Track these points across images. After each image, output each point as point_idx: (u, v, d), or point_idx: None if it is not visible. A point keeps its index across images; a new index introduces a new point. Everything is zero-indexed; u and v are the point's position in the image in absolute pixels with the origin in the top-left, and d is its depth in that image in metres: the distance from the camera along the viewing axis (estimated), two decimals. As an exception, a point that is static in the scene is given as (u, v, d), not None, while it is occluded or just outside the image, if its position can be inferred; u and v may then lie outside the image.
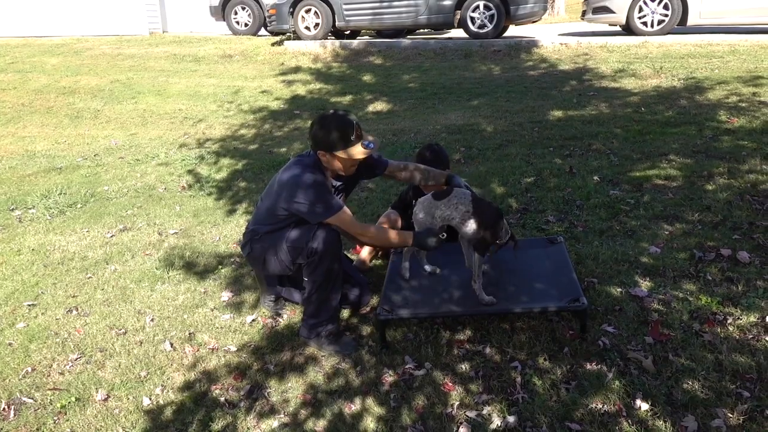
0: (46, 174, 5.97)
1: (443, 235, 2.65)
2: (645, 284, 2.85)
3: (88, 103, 8.52)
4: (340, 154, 2.53)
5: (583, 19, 10.06)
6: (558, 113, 5.94)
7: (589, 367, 2.32)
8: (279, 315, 2.97)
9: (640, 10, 8.87)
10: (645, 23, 8.92)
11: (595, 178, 4.19)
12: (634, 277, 2.91)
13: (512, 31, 10.96)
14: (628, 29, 9.26)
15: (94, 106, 8.42)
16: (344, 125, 2.51)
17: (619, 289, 2.82)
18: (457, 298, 2.66)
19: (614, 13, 9.07)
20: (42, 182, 5.68)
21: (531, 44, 9.21)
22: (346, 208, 2.62)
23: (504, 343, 2.53)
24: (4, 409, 2.43)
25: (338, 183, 2.72)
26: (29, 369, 2.69)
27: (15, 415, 2.39)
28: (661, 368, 2.27)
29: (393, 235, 2.70)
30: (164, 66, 10.09)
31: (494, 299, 2.57)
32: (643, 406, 2.09)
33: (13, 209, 4.94)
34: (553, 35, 10.27)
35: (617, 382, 2.22)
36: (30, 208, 4.92)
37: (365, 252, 3.32)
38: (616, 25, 9.82)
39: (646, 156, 4.53)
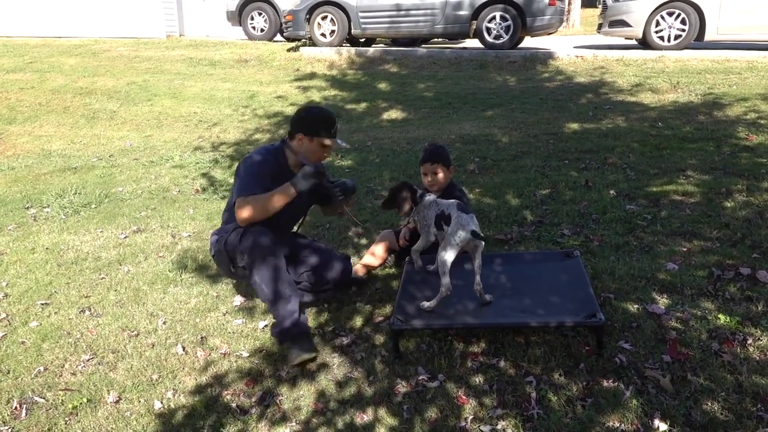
0: (61, 173, 6.01)
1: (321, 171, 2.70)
2: (662, 301, 2.81)
3: (104, 104, 8.59)
4: (322, 140, 2.76)
5: (599, 32, 10.04)
6: (574, 126, 5.91)
7: (605, 384, 2.28)
8: None
9: (657, 24, 8.84)
10: (662, 38, 8.88)
11: (612, 192, 4.15)
12: (651, 294, 2.87)
13: (528, 42, 10.95)
14: (644, 43, 9.23)
15: (111, 107, 8.48)
16: (331, 117, 2.83)
17: (636, 306, 2.78)
18: (471, 309, 2.63)
19: (631, 26, 9.04)
20: (57, 181, 5.72)
21: (547, 56, 9.20)
22: (242, 198, 2.65)
23: (519, 357, 2.50)
24: (16, 408, 2.43)
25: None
26: (41, 368, 2.69)
27: (27, 415, 2.39)
28: (680, 388, 2.23)
29: (272, 197, 2.64)
30: (180, 69, 10.16)
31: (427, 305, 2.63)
32: (662, 426, 2.05)
33: (28, 207, 4.97)
34: (569, 47, 10.25)
35: (635, 401, 2.18)
36: (45, 207, 4.95)
37: (376, 259, 3.28)
38: (632, 39, 9.79)
39: (664, 171, 4.49)
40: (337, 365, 2.58)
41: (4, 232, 4.45)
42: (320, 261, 3.03)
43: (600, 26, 9.92)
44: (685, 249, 3.28)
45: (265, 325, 2.93)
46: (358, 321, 2.90)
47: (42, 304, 3.30)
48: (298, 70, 9.73)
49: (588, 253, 3.31)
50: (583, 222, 3.76)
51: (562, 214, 3.89)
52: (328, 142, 2.78)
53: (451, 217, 2.60)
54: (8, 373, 2.67)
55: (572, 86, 7.77)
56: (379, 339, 2.74)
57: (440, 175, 3.16)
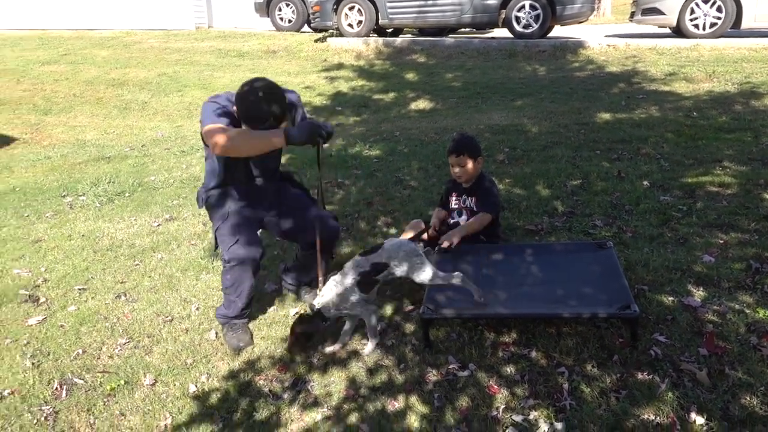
0: (95, 163, 6.14)
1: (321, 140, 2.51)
2: (698, 294, 2.75)
3: (136, 95, 8.73)
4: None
5: (631, 20, 9.83)
6: (605, 116, 5.81)
7: (640, 376, 2.25)
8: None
9: (692, 12, 8.61)
10: (697, 26, 8.65)
11: (645, 183, 4.08)
12: (686, 286, 2.81)
13: (557, 31, 10.78)
14: (678, 32, 9.00)
15: (142, 98, 8.62)
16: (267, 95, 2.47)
17: (671, 298, 2.73)
18: (502, 299, 2.62)
19: (665, 14, 8.83)
20: (92, 170, 5.84)
21: (577, 45, 9.04)
22: (220, 125, 2.47)
23: (550, 347, 2.48)
24: (56, 388, 2.51)
25: None
26: (80, 351, 2.77)
27: (67, 395, 2.46)
28: (717, 382, 2.19)
29: (254, 138, 2.46)
30: (209, 60, 10.27)
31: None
32: (698, 419, 2.02)
33: (64, 196, 5.10)
34: (600, 36, 10.06)
35: (670, 394, 2.14)
36: (80, 195, 5.07)
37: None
38: (665, 27, 9.55)
39: (699, 162, 4.39)
40: (367, 353, 2.60)
41: (42, 219, 4.57)
42: (302, 225, 2.88)
43: (632, 14, 9.71)
44: (721, 241, 3.21)
45: (296, 312, 2.96)
46: (388, 309, 2.91)
47: (79, 289, 3.38)
48: (325, 60, 9.75)
49: (621, 245, 3.26)
50: (615, 213, 3.70)
51: (593, 205, 3.83)
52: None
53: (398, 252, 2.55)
54: (49, 354, 2.75)
55: (603, 76, 7.63)
56: (410, 327, 2.75)
57: (468, 166, 3.15)
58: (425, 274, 2.54)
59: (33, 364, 2.68)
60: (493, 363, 2.44)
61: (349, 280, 2.54)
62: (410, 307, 2.90)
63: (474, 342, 2.57)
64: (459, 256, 3.00)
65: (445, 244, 2.93)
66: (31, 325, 3.02)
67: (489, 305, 2.58)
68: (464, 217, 3.24)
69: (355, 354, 2.60)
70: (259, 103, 2.45)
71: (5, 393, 2.49)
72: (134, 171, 5.72)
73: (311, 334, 2.57)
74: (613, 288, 2.57)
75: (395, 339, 2.67)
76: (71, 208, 4.81)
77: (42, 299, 3.29)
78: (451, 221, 3.29)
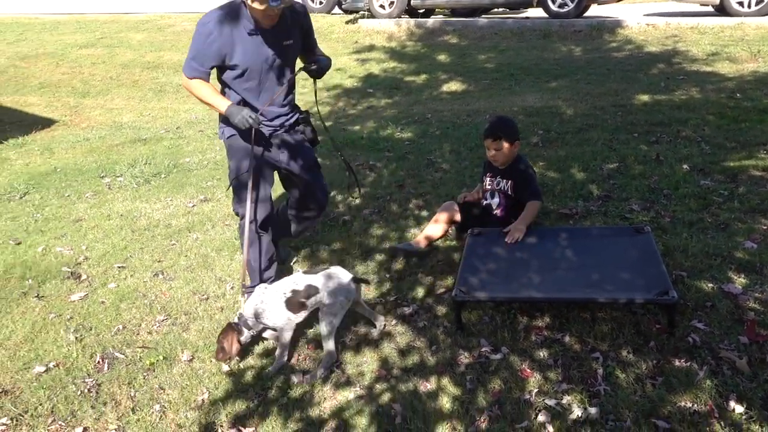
0: (132, 144, 6.26)
1: (255, 121, 2.56)
2: (739, 281, 2.68)
3: (170, 78, 8.85)
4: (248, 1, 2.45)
5: (672, -2, 9.50)
6: (644, 97, 5.65)
7: (677, 363, 2.21)
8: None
9: (738, -12, 8.27)
10: (741, 3, 8.31)
11: (685, 166, 3.97)
12: (727, 273, 2.74)
13: (594, 10, 10.48)
14: (722, 10, 8.65)
15: (176, 80, 8.73)
16: None
17: (710, 285, 2.66)
18: (536, 283, 2.60)
19: (708, -9, 8.50)
20: (129, 152, 5.96)
21: (615, 24, 8.79)
22: (197, 78, 2.60)
23: (584, 332, 2.46)
24: (98, 362, 2.59)
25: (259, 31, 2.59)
26: (120, 327, 2.85)
27: (108, 369, 2.55)
28: (757, 370, 2.13)
29: (207, 96, 2.63)
30: (242, 43, 10.32)
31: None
32: (738, 408, 1.98)
33: (103, 176, 5.22)
34: (639, 15, 9.75)
35: (708, 382, 2.10)
36: (118, 176, 5.18)
37: (437, 231, 3.26)
38: (708, 6, 9.19)
39: (742, 145, 4.25)
40: (399, 334, 2.61)
41: (82, 199, 4.70)
42: (304, 189, 2.96)
43: (674, -8, 9.38)
44: (764, 227, 3.11)
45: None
46: (420, 291, 2.91)
47: (119, 267, 3.48)
48: (356, 42, 9.70)
49: (659, 230, 3.19)
50: (653, 197, 3.61)
51: (630, 189, 3.75)
52: (264, 7, 2.43)
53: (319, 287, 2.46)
54: (91, 329, 2.84)
55: (642, 56, 7.41)
56: (441, 310, 2.75)
57: (504, 149, 3.11)
58: (329, 324, 2.42)
59: (76, 338, 2.77)
60: (525, 347, 2.42)
61: (279, 294, 2.48)
62: (442, 290, 2.90)
63: (506, 325, 2.56)
64: (493, 240, 2.98)
65: (511, 240, 2.92)
66: (74, 301, 3.12)
67: (523, 289, 2.56)
68: (496, 199, 3.21)
69: (388, 335, 2.62)
70: None
71: (51, 365, 2.58)
72: (169, 152, 5.82)
73: (233, 342, 2.45)
74: (651, 273, 2.53)
75: (427, 321, 2.68)
76: (110, 188, 4.93)
77: (83, 276, 3.39)
78: (484, 202, 3.27)
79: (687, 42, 7.75)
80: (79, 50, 10.22)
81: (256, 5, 2.43)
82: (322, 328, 2.45)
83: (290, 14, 2.66)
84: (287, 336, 2.49)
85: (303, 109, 3.00)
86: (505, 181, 3.17)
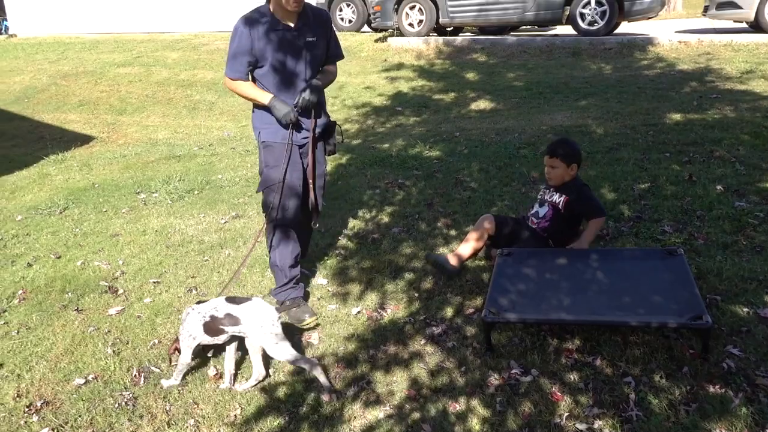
0: (166, 161, 6.43)
1: (295, 117, 2.80)
2: (777, 306, 2.63)
3: (204, 96, 9.08)
4: None
5: (704, 15, 9.40)
6: (676, 116, 5.60)
7: (711, 390, 2.18)
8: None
9: (773, 5, 8.16)
10: (778, 20, 8.18)
11: (718, 187, 3.91)
12: (763, 297, 2.69)
13: (625, 27, 10.43)
14: (756, 26, 8.54)
15: (209, 98, 8.95)
16: None
17: (746, 309, 2.62)
18: (566, 304, 2.59)
19: (741, 8, 8.41)
20: (163, 169, 6.12)
21: (646, 42, 8.73)
22: (237, 79, 2.84)
23: (616, 356, 2.44)
24: (135, 375, 2.66)
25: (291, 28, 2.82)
26: (156, 341, 2.93)
27: (144, 382, 2.62)
28: (796, 399, 2.09)
29: (250, 92, 2.87)
30: (273, 61, 10.53)
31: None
32: (775, 437, 1.94)
33: (138, 192, 5.37)
34: (670, 32, 9.67)
35: (744, 409, 2.07)
36: (153, 192, 5.33)
37: (466, 250, 3.27)
38: (742, 22, 9.09)
39: (778, 166, 4.17)
40: (429, 354, 2.63)
41: (119, 214, 4.84)
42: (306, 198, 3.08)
43: (706, 9, 9.28)
44: (803, 251, 3.05)
45: (358, 312, 3.02)
46: (449, 311, 2.93)
47: (154, 282, 3.57)
48: (385, 60, 9.81)
49: (692, 252, 3.15)
50: (686, 219, 3.57)
51: (662, 210, 3.71)
52: None
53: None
54: (128, 343, 2.93)
55: (674, 74, 7.34)
56: (471, 331, 2.76)
57: (556, 170, 3.16)
58: (283, 353, 2.45)
59: (114, 351, 2.85)
60: (556, 369, 2.42)
61: (198, 315, 2.50)
62: (471, 310, 2.91)
63: (536, 347, 2.56)
64: (522, 260, 2.99)
65: None
66: (111, 315, 3.21)
67: (553, 311, 2.56)
68: (545, 208, 3.24)
69: (417, 355, 2.64)
70: None
71: (90, 377, 2.67)
72: (202, 169, 5.96)
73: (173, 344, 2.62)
74: (684, 297, 2.50)
75: (456, 341, 2.69)
76: (145, 204, 5.06)
77: (120, 291, 3.49)
78: (530, 211, 3.32)
79: (720, 59, 7.65)
80: (117, 69, 10.56)
81: None
82: (281, 357, 2.48)
83: (312, 15, 2.90)
84: (184, 359, 2.53)
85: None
86: (558, 194, 3.19)
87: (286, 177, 2.91)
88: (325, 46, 2.98)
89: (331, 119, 3.14)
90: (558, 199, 3.18)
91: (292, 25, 2.82)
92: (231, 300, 2.54)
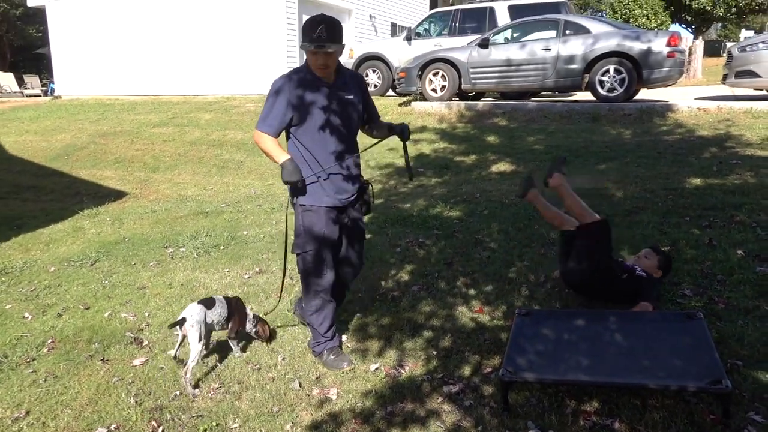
0: (195, 217, 6.64)
1: (301, 185, 2.93)
2: (800, 373, 2.59)
3: (233, 155, 9.42)
4: (308, 47, 2.80)
5: (723, 83, 9.57)
6: (696, 181, 5.64)
7: (733, 456, 2.14)
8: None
9: (792, 74, 8.30)
10: (797, 88, 8.30)
11: (739, 252, 3.91)
12: (786, 364, 2.66)
13: (644, 94, 10.63)
14: (776, 94, 8.66)
15: (238, 157, 9.29)
16: (313, 21, 2.79)
17: (768, 375, 2.59)
18: (584, 366, 2.59)
19: (761, 77, 8.56)
20: (191, 224, 6.32)
21: (665, 108, 8.88)
22: (265, 133, 2.94)
23: (635, 420, 2.41)
24: (155, 426, 2.71)
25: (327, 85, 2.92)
26: (177, 393, 2.98)
27: (164, 433, 2.66)
28: (822, 469, 2.04)
29: (271, 149, 2.96)
30: (300, 123, 10.94)
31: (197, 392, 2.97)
32: (800, 508, 1.89)
33: (167, 247, 5.54)
34: (690, 99, 9.83)
35: (767, 478, 2.03)
36: (181, 247, 5.49)
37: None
38: (762, 90, 9.22)
39: (800, 231, 4.16)
40: (446, 412, 2.63)
41: (147, 267, 4.99)
42: (352, 252, 3.20)
43: (725, 77, 9.46)
44: (827, 317, 3.02)
45: (376, 368, 3.05)
46: (466, 370, 2.94)
47: (177, 334, 3.65)
48: (409, 123, 10.10)
49: (712, 316, 3.14)
50: (706, 283, 3.57)
51: (682, 274, 3.71)
52: (312, 48, 2.79)
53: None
54: (150, 394, 2.98)
55: (694, 140, 7.43)
56: (488, 390, 2.76)
57: (648, 261, 3.54)
58: (194, 349, 3.00)
59: (136, 402, 2.91)
60: (573, 432, 2.40)
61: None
62: (489, 369, 2.92)
63: (554, 408, 2.55)
64: (541, 321, 3.01)
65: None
66: (135, 366, 3.29)
67: (571, 371, 2.56)
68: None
69: (434, 413, 2.64)
70: (313, 20, 2.81)
71: (112, 427, 2.72)
72: (229, 225, 6.14)
73: None
74: (703, 361, 2.49)
75: (473, 400, 2.69)
76: (172, 258, 5.22)
77: (145, 342, 3.58)
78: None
79: (740, 126, 7.74)
80: (152, 129, 11.06)
81: (312, 49, 2.78)
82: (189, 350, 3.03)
83: (349, 74, 3.02)
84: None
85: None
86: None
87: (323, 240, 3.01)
88: (362, 105, 3.06)
89: (364, 180, 3.21)
90: (640, 270, 3.46)
91: (330, 81, 2.92)
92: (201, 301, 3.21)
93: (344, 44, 2.88)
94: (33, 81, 22.10)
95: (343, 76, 2.98)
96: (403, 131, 3.09)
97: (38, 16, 21.56)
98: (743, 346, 2.83)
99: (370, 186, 3.23)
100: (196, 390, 2.97)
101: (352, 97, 2.97)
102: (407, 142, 3.17)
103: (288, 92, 2.89)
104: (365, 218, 3.34)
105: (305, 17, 14.94)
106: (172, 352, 3.25)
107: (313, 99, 2.89)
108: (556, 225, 3.77)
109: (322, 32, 2.75)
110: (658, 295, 3.36)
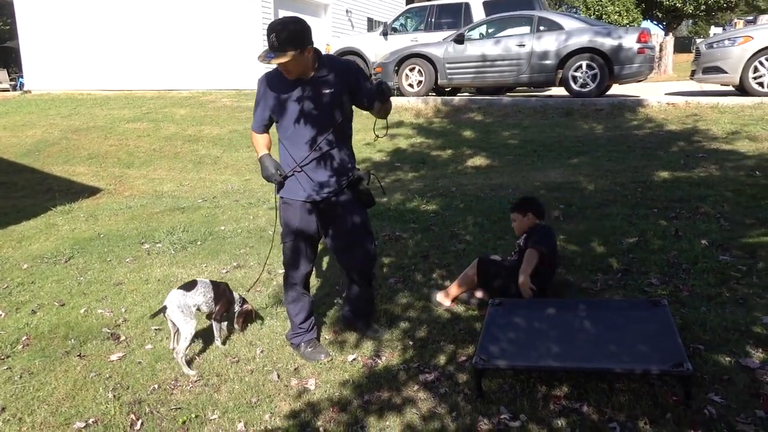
0: (171, 213, 6.60)
1: (281, 176, 2.99)
2: (757, 355, 2.72)
3: (209, 150, 9.36)
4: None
5: (692, 78, 9.81)
6: (664, 174, 5.81)
7: (693, 435, 2.25)
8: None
9: (756, 70, 8.54)
10: (761, 84, 8.55)
11: (703, 242, 4.06)
12: (745, 347, 2.79)
13: (616, 89, 10.85)
14: (742, 90, 8.90)
15: (215, 153, 9.23)
16: (268, 28, 2.78)
17: (728, 359, 2.71)
18: (554, 352, 2.69)
19: (726, 73, 8.78)
20: (168, 220, 6.29)
21: (636, 103, 9.08)
22: (252, 130, 3.10)
23: (602, 402, 2.51)
24: (134, 420, 2.73)
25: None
26: (156, 386, 3.00)
27: (142, 426, 2.68)
28: (775, 445, 2.16)
29: (254, 145, 3.13)
30: (277, 118, 10.89)
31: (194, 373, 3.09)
32: (754, 481, 2.01)
33: (143, 243, 5.51)
34: (660, 94, 10.06)
35: (725, 454, 2.14)
36: (157, 243, 5.47)
37: (453, 290, 3.58)
38: (728, 85, 9.47)
39: (761, 222, 4.33)
40: (421, 400, 2.70)
41: (123, 264, 4.96)
42: (343, 246, 3.15)
43: (693, 73, 9.69)
44: (784, 303, 3.16)
45: (354, 359, 3.11)
46: (442, 359, 3.01)
47: (155, 329, 3.66)
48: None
49: (677, 303, 3.27)
50: (672, 272, 3.70)
51: (650, 263, 3.84)
52: (262, 61, 2.79)
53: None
54: (128, 388, 3.00)
55: (663, 134, 7.62)
56: (462, 377, 2.84)
57: (515, 222, 3.67)
58: (184, 331, 3.11)
59: (114, 396, 2.92)
60: (544, 415, 2.49)
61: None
62: (463, 358, 3.00)
63: (526, 394, 2.64)
64: (513, 310, 3.10)
65: (529, 294, 3.28)
66: (113, 361, 3.29)
67: (542, 358, 2.65)
68: (515, 256, 3.57)
69: (410, 401, 2.71)
70: (269, 27, 2.78)
71: (90, 422, 2.73)
72: (206, 221, 6.12)
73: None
74: (667, 346, 2.60)
75: (448, 388, 2.77)
76: (149, 254, 5.20)
77: (122, 337, 3.58)
78: (508, 258, 3.66)
79: (707, 121, 7.96)
80: (126, 124, 10.91)
81: (260, 61, 2.80)
82: (181, 333, 3.15)
83: (336, 66, 2.94)
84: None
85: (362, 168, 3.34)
86: (523, 239, 3.57)
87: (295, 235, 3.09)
88: (350, 96, 2.97)
89: (359, 171, 3.15)
90: (523, 242, 3.54)
91: (307, 77, 2.86)
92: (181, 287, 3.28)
93: (308, 46, 2.76)
94: (1, 75, 21.57)
95: (325, 69, 2.88)
96: (382, 92, 3.00)
97: (6, 8, 21.02)
98: (705, 331, 2.96)
99: (367, 178, 3.15)
100: (192, 371, 3.04)
101: (331, 91, 2.89)
102: (387, 103, 3.08)
103: (264, 91, 2.98)
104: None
105: (281, 12, 14.86)
106: (170, 345, 3.29)
107: (287, 96, 2.91)
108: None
109: (273, 41, 2.71)
110: (539, 238, 3.46)
